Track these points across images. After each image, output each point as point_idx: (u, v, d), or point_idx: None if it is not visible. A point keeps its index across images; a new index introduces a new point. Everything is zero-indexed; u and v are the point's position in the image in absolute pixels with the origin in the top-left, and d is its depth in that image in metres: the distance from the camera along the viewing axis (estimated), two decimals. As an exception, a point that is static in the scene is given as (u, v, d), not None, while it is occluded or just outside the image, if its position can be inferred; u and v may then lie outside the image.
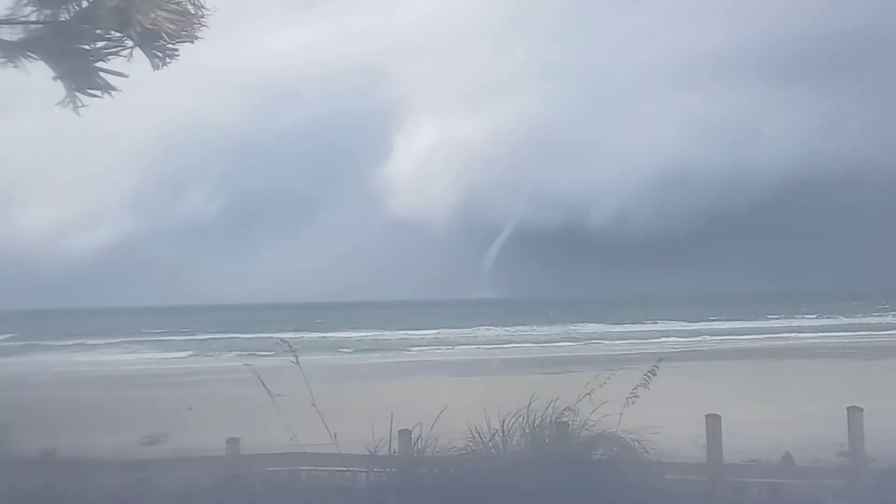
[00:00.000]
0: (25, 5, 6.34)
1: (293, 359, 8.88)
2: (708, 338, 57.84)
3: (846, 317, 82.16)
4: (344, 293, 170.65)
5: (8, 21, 6.28)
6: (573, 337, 62.21)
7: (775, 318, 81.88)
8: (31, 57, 6.23)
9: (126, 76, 6.39)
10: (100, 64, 6.38)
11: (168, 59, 6.42)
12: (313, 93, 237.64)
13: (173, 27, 6.22)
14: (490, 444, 8.79)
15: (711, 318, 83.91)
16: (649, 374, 9.40)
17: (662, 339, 56.70)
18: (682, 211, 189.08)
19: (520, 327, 73.45)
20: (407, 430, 9.02)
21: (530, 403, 8.97)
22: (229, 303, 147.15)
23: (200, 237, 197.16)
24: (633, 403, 9.10)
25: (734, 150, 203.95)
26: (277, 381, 9.07)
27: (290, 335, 56.22)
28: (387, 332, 70.26)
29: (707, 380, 29.31)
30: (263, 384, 8.88)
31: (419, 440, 8.92)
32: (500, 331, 71.08)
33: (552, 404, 9.01)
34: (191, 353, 52.06)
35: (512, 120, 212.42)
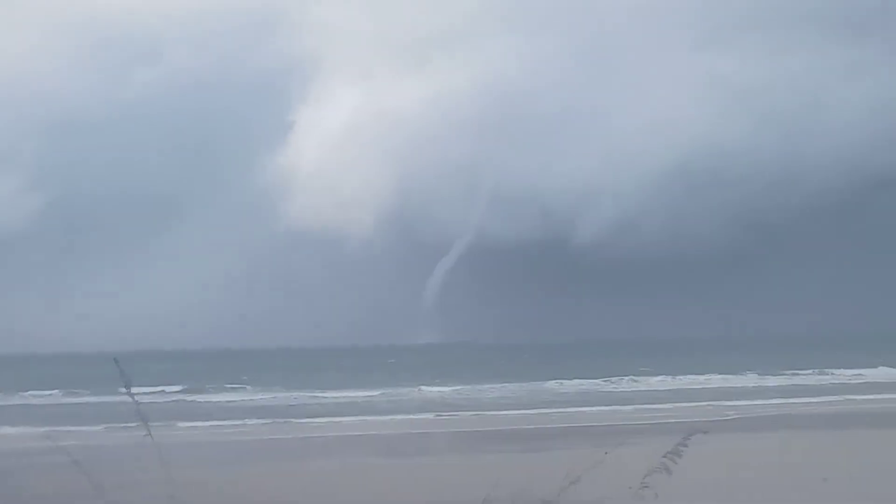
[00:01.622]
0: None
1: (144, 430, 8.71)
2: (755, 402, 57.59)
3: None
4: (219, 336, 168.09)
5: None
6: (552, 399, 62.64)
7: (842, 370, 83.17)
8: None
9: None
10: None
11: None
12: (178, 45, 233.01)
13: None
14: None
15: (754, 370, 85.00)
16: (673, 456, 9.17)
17: (685, 403, 56.83)
18: (709, 218, 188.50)
19: (477, 385, 74.23)
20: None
21: (490, 494, 8.86)
22: (44, 351, 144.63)
23: (2, 251, 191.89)
24: (644, 496, 9.04)
25: (783, 132, 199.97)
26: (114, 466, 8.82)
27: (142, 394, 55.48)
28: (284, 394, 70.58)
29: (755, 465, 29.18)
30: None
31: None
32: (450, 391, 71.90)
33: (521, 496, 8.92)
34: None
35: (467, 86, 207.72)
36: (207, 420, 51.58)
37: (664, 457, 9.25)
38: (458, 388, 73.17)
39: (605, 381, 77.69)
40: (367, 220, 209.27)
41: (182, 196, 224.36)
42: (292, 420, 52.42)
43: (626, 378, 79.73)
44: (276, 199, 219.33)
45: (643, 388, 72.69)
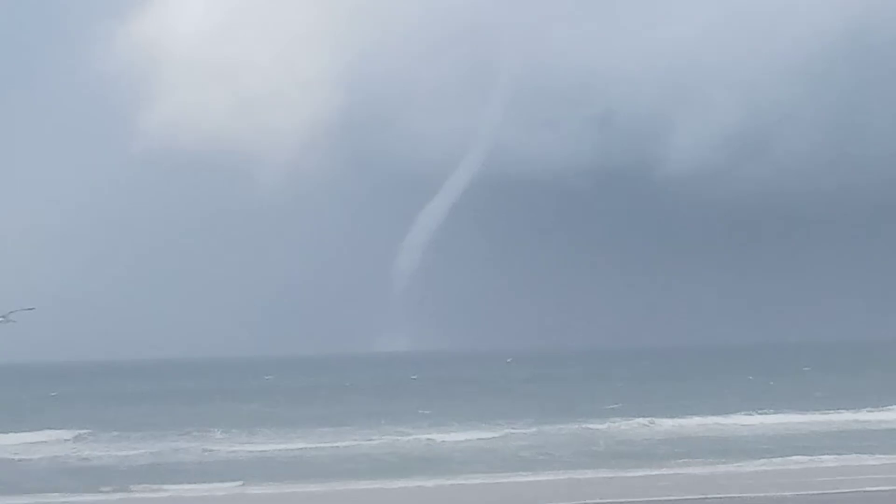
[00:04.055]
0: None
1: None
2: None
3: None
4: (32, 344, 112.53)
5: None
6: (627, 449, 49.57)
7: None
8: None
9: None
10: None
11: None
12: None
13: None
14: None
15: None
16: None
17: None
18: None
19: (483, 434, 57.86)
20: None
21: None
22: None
23: None
24: None
25: None
26: None
27: None
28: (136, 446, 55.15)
29: None
30: None
31: None
32: (439, 438, 56.35)
33: None
34: None
35: None
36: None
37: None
38: (447, 434, 57.49)
39: (719, 416, 64.91)
40: (288, 136, 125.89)
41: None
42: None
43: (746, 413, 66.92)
44: (127, 99, 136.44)
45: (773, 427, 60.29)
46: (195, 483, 40.42)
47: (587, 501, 33.78)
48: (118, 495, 37.77)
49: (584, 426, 61.07)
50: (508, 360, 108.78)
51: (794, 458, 44.58)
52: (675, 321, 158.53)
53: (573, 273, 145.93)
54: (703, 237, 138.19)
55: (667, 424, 64.08)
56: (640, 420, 64.59)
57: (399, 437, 57.59)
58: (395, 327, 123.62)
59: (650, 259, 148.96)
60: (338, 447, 53.70)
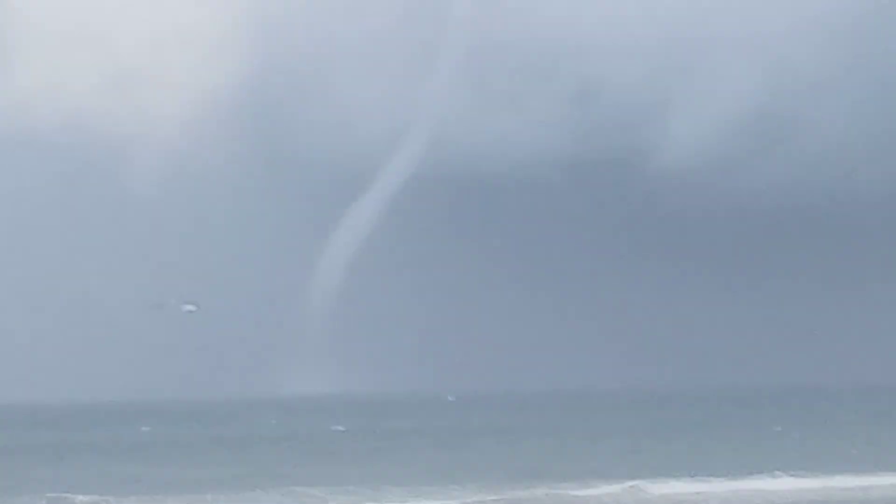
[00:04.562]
0: None
1: None
2: None
3: None
4: None
5: None
6: None
7: None
8: None
9: None
10: None
11: None
12: None
13: None
14: None
15: None
16: None
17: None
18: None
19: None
20: None
21: None
22: None
23: None
24: None
25: None
26: None
27: None
28: None
29: None
30: None
31: None
32: None
33: None
34: None
35: None
36: None
37: None
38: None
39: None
40: (170, 117, 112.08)
41: None
42: None
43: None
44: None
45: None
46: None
47: None
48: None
49: (557, 491, 53.33)
50: (450, 399, 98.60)
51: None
52: (671, 354, 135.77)
53: (536, 293, 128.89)
54: (707, 246, 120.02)
55: (662, 490, 56.01)
56: (629, 484, 56.45)
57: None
58: (310, 364, 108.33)
59: (640, 274, 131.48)
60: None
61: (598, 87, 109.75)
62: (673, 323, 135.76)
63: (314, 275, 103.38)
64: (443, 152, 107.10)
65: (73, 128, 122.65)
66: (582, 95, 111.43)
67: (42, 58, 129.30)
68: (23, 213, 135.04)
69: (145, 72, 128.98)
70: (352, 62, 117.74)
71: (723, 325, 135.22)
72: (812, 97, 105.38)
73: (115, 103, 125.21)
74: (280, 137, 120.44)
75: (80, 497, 51.52)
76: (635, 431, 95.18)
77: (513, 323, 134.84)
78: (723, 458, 68.59)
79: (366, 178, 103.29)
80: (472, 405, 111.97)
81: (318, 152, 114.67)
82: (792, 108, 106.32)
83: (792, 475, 60.02)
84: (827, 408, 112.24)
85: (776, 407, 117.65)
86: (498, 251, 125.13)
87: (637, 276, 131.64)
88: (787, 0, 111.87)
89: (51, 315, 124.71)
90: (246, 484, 57.99)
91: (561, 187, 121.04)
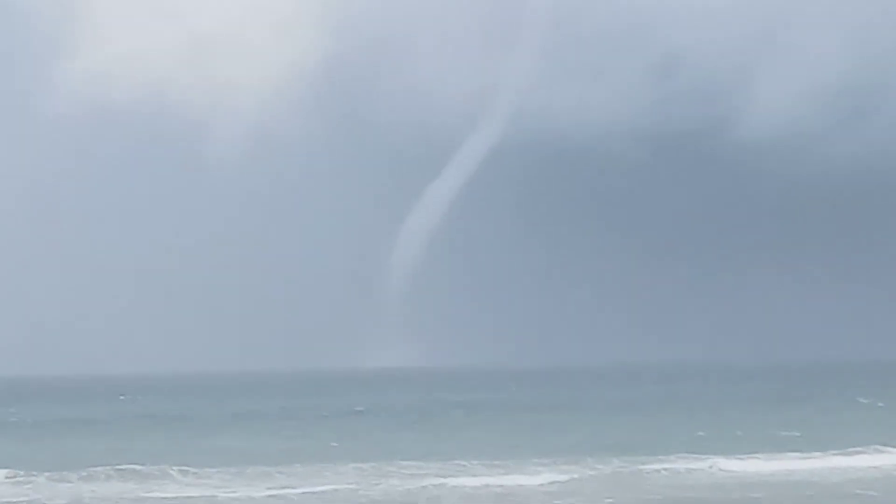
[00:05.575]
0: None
1: None
2: None
3: None
4: None
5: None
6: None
7: None
8: None
9: None
10: None
11: None
12: None
13: None
14: None
15: None
16: None
17: None
18: None
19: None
20: None
21: None
22: None
23: None
24: None
25: None
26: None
27: None
28: None
29: None
30: None
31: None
32: (451, 483, 42.13)
33: None
34: None
35: None
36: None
37: None
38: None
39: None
40: (252, 92, 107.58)
41: None
42: None
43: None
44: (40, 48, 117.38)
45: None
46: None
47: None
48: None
49: (635, 467, 47.54)
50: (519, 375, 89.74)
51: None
52: (754, 332, 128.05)
53: (618, 270, 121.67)
54: (790, 223, 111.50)
55: (745, 467, 48.12)
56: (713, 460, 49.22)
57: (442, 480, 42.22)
58: (388, 338, 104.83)
59: (720, 254, 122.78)
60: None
61: (680, 56, 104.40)
62: (754, 297, 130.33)
63: (394, 248, 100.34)
64: (525, 124, 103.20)
65: (153, 99, 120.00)
66: (665, 66, 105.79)
67: (124, 29, 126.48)
68: (93, 190, 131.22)
69: (226, 43, 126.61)
70: (433, 33, 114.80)
71: (798, 300, 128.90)
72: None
73: (194, 75, 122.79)
74: (360, 110, 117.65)
75: (144, 467, 46.53)
76: (723, 405, 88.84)
77: (591, 298, 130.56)
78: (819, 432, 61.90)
79: (446, 154, 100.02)
80: (552, 378, 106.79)
81: (397, 124, 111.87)
82: (879, 76, 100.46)
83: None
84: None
85: (860, 379, 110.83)
86: (576, 224, 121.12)
87: (720, 249, 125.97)
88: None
89: (147, 287, 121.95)
90: (345, 456, 53.10)
91: (639, 161, 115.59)
